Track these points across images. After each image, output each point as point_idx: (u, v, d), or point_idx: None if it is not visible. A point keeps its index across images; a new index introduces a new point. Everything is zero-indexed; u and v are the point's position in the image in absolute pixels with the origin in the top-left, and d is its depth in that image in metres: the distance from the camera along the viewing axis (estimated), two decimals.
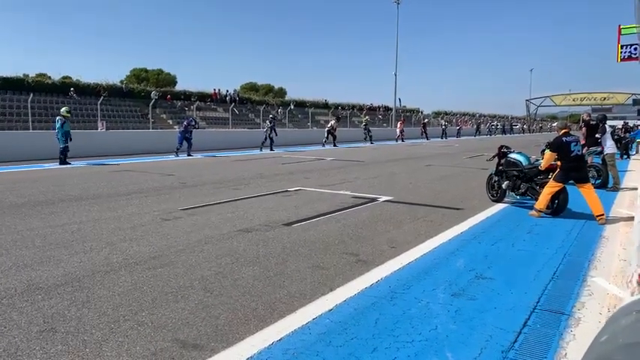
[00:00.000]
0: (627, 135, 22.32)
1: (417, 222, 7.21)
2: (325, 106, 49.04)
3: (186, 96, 36.99)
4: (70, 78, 34.18)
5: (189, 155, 18.97)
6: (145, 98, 31.91)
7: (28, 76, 30.38)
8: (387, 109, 54.32)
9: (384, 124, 48.43)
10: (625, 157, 19.55)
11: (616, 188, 10.69)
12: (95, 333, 3.40)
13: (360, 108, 52.47)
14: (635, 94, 67.28)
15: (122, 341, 3.29)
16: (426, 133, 39.01)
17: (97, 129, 23.03)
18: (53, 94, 28.13)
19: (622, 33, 27.68)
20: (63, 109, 15.69)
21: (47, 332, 3.41)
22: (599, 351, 0.61)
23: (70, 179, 11.61)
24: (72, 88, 29.32)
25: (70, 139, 15.36)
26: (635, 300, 0.74)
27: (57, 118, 15.54)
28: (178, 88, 42.56)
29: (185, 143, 19.15)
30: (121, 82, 37.89)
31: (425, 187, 11.14)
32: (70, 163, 15.02)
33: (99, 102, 24.47)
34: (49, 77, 32.87)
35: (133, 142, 20.73)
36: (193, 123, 20.02)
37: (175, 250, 5.51)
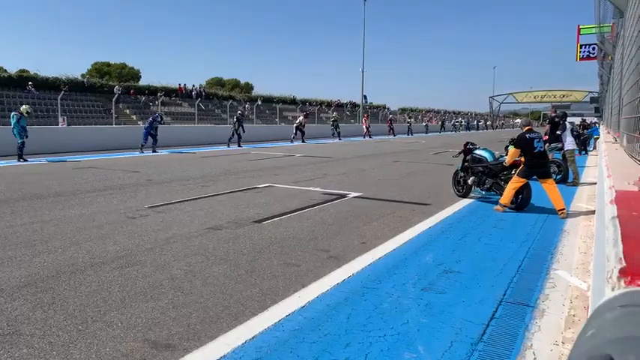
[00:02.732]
0: (585, 132, 23.14)
1: (386, 217, 7.30)
2: (293, 102, 48.91)
3: (151, 91, 36.21)
4: (27, 71, 32.92)
5: (154, 152, 18.62)
6: (108, 93, 31.08)
7: None
8: (355, 105, 54.62)
9: (352, 120, 48.67)
10: (583, 152, 20.28)
11: (575, 183, 11.08)
12: (62, 335, 3.31)
13: (328, 104, 52.55)
14: (591, 92, 69.81)
15: (91, 342, 3.22)
16: (393, 130, 39.36)
17: (57, 124, 22.29)
18: (10, 87, 27.04)
19: (581, 33, 28.71)
20: (23, 107, 14.98)
21: (11, 335, 3.29)
22: (587, 345, 0.64)
23: (31, 176, 11.21)
24: (30, 82, 28.23)
25: (27, 136, 14.79)
26: (617, 295, 0.78)
27: (12, 113, 14.87)
28: (142, 82, 41.73)
29: (150, 139, 18.78)
30: (82, 76, 36.72)
31: (393, 183, 11.28)
32: (26, 160, 14.49)
33: (59, 97, 23.67)
34: (5, 70, 31.58)
35: (95, 138, 20.15)
36: (159, 119, 19.63)
37: (143, 248, 5.40)
